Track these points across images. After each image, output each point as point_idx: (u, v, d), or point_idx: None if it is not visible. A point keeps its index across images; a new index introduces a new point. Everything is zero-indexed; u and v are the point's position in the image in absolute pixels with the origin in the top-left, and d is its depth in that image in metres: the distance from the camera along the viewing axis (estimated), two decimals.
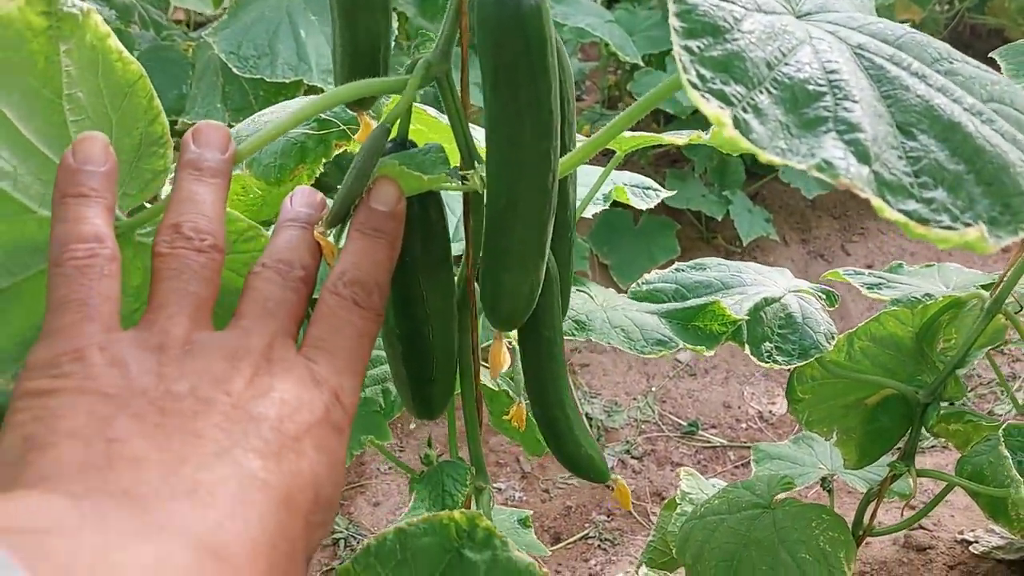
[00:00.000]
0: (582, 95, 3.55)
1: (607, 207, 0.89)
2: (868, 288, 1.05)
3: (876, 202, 0.37)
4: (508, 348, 0.57)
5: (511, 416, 0.70)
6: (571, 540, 2.04)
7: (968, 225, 0.38)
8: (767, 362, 0.91)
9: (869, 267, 2.97)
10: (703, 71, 0.38)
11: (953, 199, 0.38)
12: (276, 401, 0.39)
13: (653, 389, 2.49)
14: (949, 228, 0.37)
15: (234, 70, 1.58)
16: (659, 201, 0.94)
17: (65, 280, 0.40)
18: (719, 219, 2.78)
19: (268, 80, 1.57)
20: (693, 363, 2.53)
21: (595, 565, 1.98)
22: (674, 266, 1.04)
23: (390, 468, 2.14)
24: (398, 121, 0.51)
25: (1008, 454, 0.88)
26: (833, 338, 0.93)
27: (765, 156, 0.37)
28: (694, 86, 0.38)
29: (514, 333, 0.63)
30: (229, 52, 1.60)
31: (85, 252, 0.41)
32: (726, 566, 1.06)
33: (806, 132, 0.38)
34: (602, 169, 0.86)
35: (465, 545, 0.44)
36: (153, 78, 1.73)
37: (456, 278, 0.61)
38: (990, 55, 0.83)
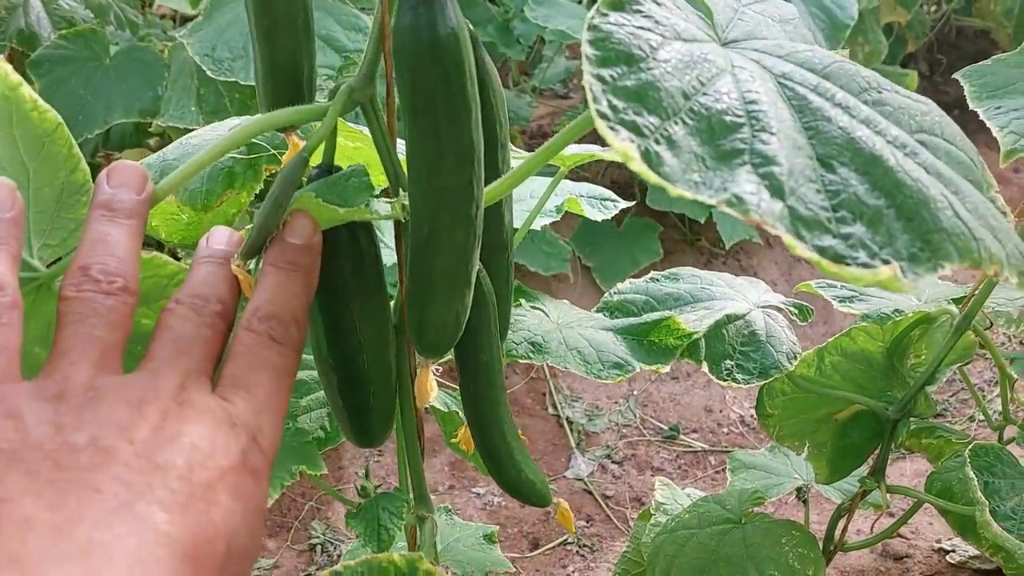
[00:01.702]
0: (568, 93, 3.54)
1: (558, 219, 0.88)
2: (840, 302, 1.04)
3: (787, 239, 0.36)
4: (435, 376, 0.56)
5: (459, 439, 0.69)
6: (550, 546, 2.03)
7: (886, 262, 0.36)
8: (726, 380, 0.90)
9: None
10: (615, 101, 0.37)
11: (872, 234, 0.37)
12: (186, 447, 0.37)
13: (635, 393, 2.48)
14: (865, 265, 0.36)
15: (208, 73, 1.56)
16: (617, 211, 0.92)
17: None
18: (702, 221, 2.77)
19: (243, 83, 1.55)
20: (675, 367, 2.52)
21: (573, 572, 1.97)
22: (649, 276, 1.03)
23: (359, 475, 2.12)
24: (323, 147, 0.50)
25: (974, 475, 0.87)
26: (795, 358, 0.92)
27: (676, 190, 0.36)
28: (604, 116, 0.36)
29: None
30: (203, 55, 1.58)
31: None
32: None
33: (721, 164, 0.37)
34: (547, 178, 0.85)
35: None
36: (128, 79, 1.71)
37: (392, 304, 0.60)
38: (954, 75, 0.82)
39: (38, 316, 0.42)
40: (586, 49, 0.38)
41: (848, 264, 0.36)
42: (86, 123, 1.78)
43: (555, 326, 0.81)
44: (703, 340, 0.91)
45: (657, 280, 1.02)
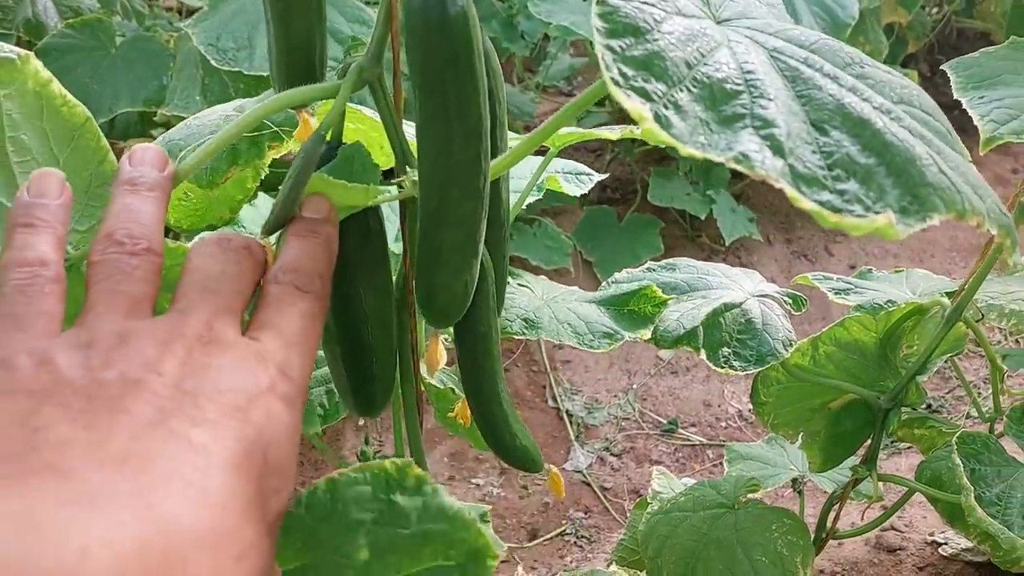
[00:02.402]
0: (573, 90, 3.56)
1: (540, 196, 0.90)
2: (835, 293, 1.06)
3: (791, 192, 0.38)
4: (444, 345, 0.58)
5: (456, 413, 0.71)
6: (548, 536, 2.05)
7: (878, 213, 0.39)
8: (723, 367, 0.92)
9: (852, 267, 2.98)
10: (625, 69, 0.40)
11: (865, 190, 0.40)
12: (213, 376, 0.38)
13: (634, 386, 2.50)
14: (862, 216, 0.39)
15: (213, 62, 1.58)
16: (592, 185, 0.94)
17: (2, 300, 0.40)
18: (703, 218, 2.78)
19: (246, 72, 1.57)
20: (675, 361, 2.54)
21: (571, 562, 1.99)
22: (645, 266, 1.05)
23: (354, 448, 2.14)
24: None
25: (960, 462, 0.89)
26: (791, 345, 0.94)
27: (686, 150, 0.39)
28: (616, 83, 0.39)
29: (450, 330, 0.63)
30: (208, 44, 1.59)
31: (26, 274, 0.41)
32: (684, 563, 1.07)
33: (724, 128, 0.40)
34: (539, 158, 0.87)
35: (396, 492, 0.44)
36: (134, 68, 1.73)
37: (395, 277, 0.62)
38: (941, 67, 0.83)
39: (69, 298, 0.43)
40: (595, 22, 0.41)
41: (846, 215, 0.38)
42: (92, 112, 1.80)
43: (542, 302, 0.84)
44: (701, 328, 0.93)
45: (654, 270, 1.04)
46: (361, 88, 0.51)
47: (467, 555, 0.43)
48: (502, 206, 0.63)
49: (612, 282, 1.00)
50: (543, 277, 0.95)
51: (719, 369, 0.88)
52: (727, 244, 2.79)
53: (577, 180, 0.95)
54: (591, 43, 2.40)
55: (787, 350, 0.89)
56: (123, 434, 0.34)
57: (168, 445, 0.34)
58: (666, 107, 0.39)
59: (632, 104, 0.39)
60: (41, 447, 0.33)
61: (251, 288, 0.45)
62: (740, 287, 1.02)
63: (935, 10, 3.47)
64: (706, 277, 1.04)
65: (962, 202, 0.42)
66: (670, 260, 1.08)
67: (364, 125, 0.64)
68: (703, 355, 0.89)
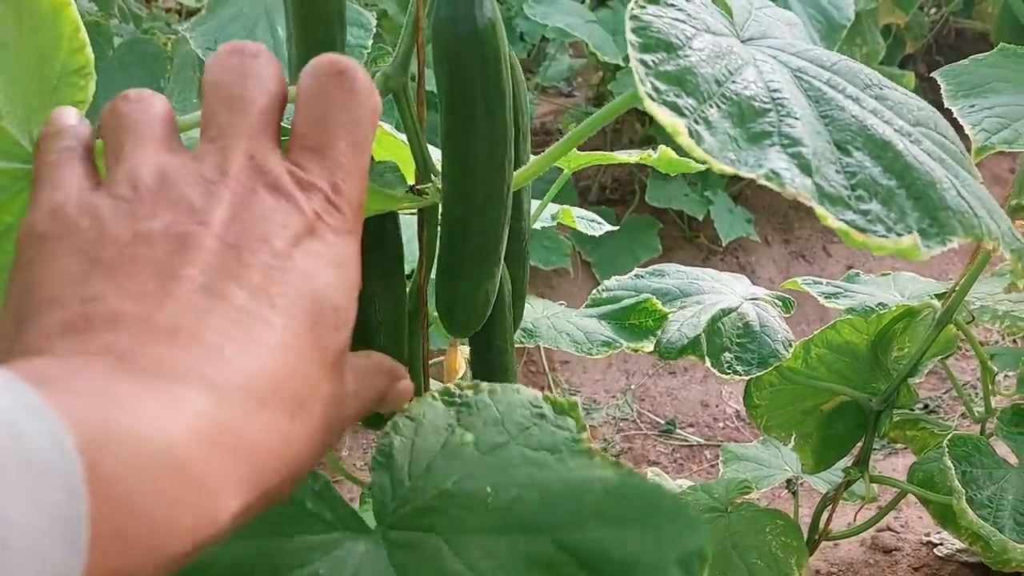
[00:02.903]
0: (572, 91, 3.56)
1: (554, 225, 0.92)
2: (825, 297, 1.07)
3: (820, 210, 0.39)
4: (462, 354, 0.58)
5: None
6: None
7: (901, 235, 0.40)
8: (728, 373, 0.92)
9: (850, 267, 2.98)
10: (658, 84, 0.41)
11: (887, 211, 0.41)
12: (258, 221, 0.36)
13: (632, 387, 2.51)
14: (885, 237, 0.40)
15: None
16: (603, 232, 0.99)
17: (39, 168, 0.39)
18: (700, 219, 2.79)
19: None
20: (672, 362, 2.55)
21: None
22: (634, 272, 1.05)
23: (364, 465, 2.15)
24: None
25: (952, 464, 0.89)
26: (791, 345, 0.94)
27: (717, 165, 0.39)
28: (651, 97, 0.40)
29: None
30: (206, 48, 1.60)
31: (61, 145, 0.40)
32: None
33: (752, 145, 0.41)
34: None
35: (461, 397, 0.47)
36: (132, 71, 1.73)
37: (409, 288, 0.62)
38: (932, 74, 0.83)
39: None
40: (630, 36, 0.42)
41: (871, 235, 0.39)
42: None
43: (542, 315, 0.84)
44: (703, 336, 0.93)
45: (642, 276, 1.05)
46: (386, 96, 0.51)
47: (547, 401, 0.46)
48: (523, 218, 0.63)
49: (604, 290, 1.00)
50: (544, 300, 0.97)
51: (723, 375, 0.88)
52: (725, 245, 2.79)
53: (589, 225, 0.99)
54: (585, 45, 2.40)
55: (788, 351, 0.89)
56: (171, 304, 0.33)
57: (216, 313, 0.33)
58: (697, 122, 0.40)
59: (667, 118, 0.39)
60: (94, 322, 0.32)
61: (283, 100, 0.41)
62: (732, 291, 1.03)
63: (933, 11, 3.47)
64: (697, 282, 1.05)
65: (980, 226, 0.42)
66: (659, 266, 1.08)
67: (382, 147, 0.65)
68: (708, 363, 0.89)
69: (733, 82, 0.43)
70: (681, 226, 2.96)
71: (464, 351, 0.77)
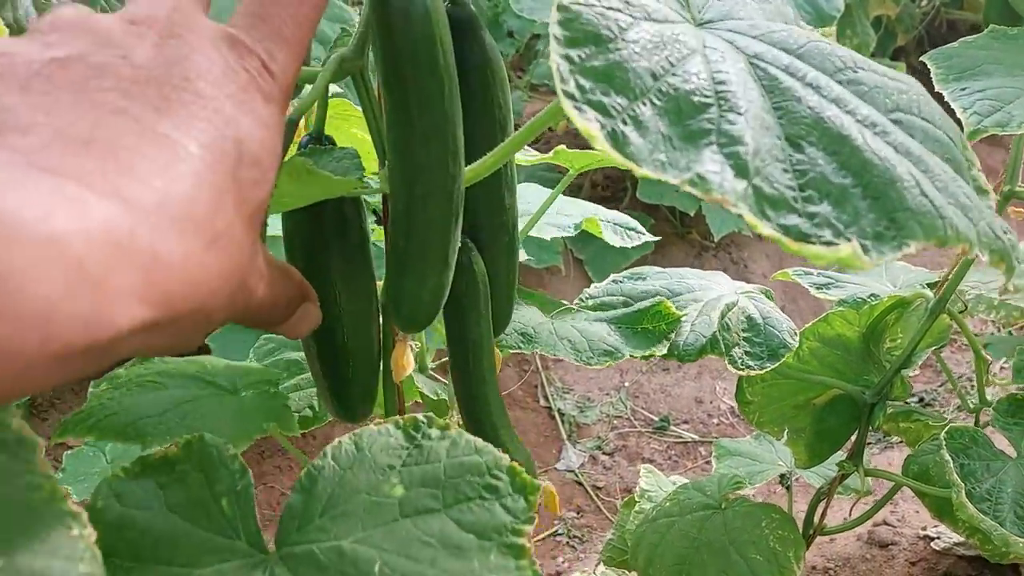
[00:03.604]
0: None
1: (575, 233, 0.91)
2: (816, 288, 1.05)
3: (749, 218, 0.36)
4: (411, 350, 0.57)
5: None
6: (540, 537, 2.04)
7: (849, 240, 0.37)
8: (743, 369, 0.89)
9: None
10: (582, 81, 0.37)
11: (838, 213, 0.37)
12: (184, 62, 0.36)
13: (626, 384, 2.49)
14: (828, 244, 0.37)
15: None
16: (641, 243, 0.97)
17: None
18: (692, 214, 2.78)
19: None
20: (665, 359, 2.53)
21: (563, 562, 1.97)
22: (611, 278, 1.02)
23: None
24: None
25: (950, 457, 0.88)
26: (796, 334, 0.92)
27: (641, 171, 0.36)
28: (571, 97, 0.36)
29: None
30: None
31: None
32: (678, 569, 1.06)
33: (688, 145, 0.37)
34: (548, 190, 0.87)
35: (422, 437, 0.45)
36: None
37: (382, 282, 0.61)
38: (920, 58, 0.82)
39: None
40: (554, 29, 0.38)
41: (811, 243, 0.36)
42: None
43: (546, 319, 0.82)
44: (719, 334, 0.91)
45: (621, 281, 1.01)
46: (343, 78, 0.50)
47: (509, 473, 0.43)
48: (505, 212, 0.61)
49: (589, 296, 0.97)
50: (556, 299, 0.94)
51: (738, 371, 0.85)
52: (717, 240, 2.78)
53: (626, 234, 0.96)
54: None
55: (795, 339, 0.86)
56: (85, 121, 0.33)
57: (132, 133, 0.33)
58: (624, 123, 0.37)
59: (583, 122, 0.36)
60: (2, 130, 0.32)
61: None
62: (720, 286, 1.01)
63: (924, 2, 3.47)
64: (685, 281, 1.02)
65: (944, 228, 0.39)
66: (635, 269, 1.05)
67: (362, 130, 0.63)
68: (726, 361, 0.86)
69: (673, 75, 0.39)
70: (673, 222, 2.94)
71: (415, 347, 0.76)
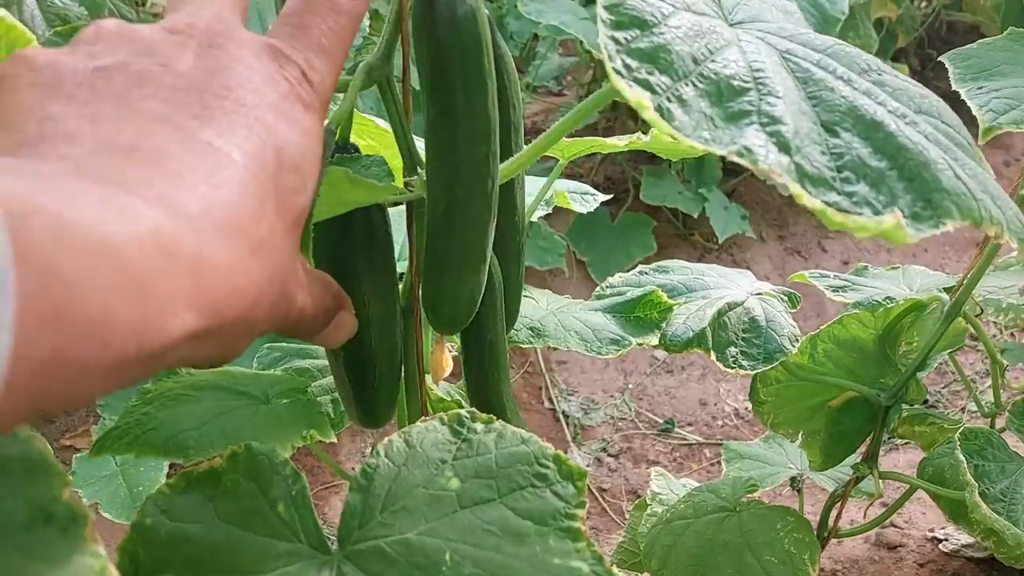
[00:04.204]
0: (563, 90, 3.55)
1: (550, 211, 0.90)
2: (832, 291, 1.05)
3: (794, 188, 0.38)
4: (451, 354, 0.57)
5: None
6: None
7: (883, 215, 0.38)
8: (733, 368, 0.91)
9: (846, 263, 2.98)
10: (629, 60, 0.39)
11: (875, 194, 0.39)
12: (224, 71, 0.37)
13: (630, 386, 2.49)
14: (868, 218, 0.38)
15: None
16: (597, 204, 0.97)
17: None
18: (695, 216, 2.78)
19: None
20: (670, 360, 2.53)
21: None
22: (637, 269, 1.04)
23: None
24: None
25: (964, 458, 0.88)
26: (797, 341, 0.93)
27: (688, 143, 0.38)
28: (619, 73, 0.39)
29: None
30: None
31: None
32: (692, 571, 1.06)
33: (730, 124, 0.39)
34: (543, 177, 0.87)
35: (469, 431, 0.46)
36: None
37: (401, 285, 0.61)
38: (939, 58, 0.82)
39: None
40: (601, 13, 0.40)
41: (852, 215, 0.37)
42: None
43: (548, 311, 0.83)
44: (709, 329, 0.91)
45: (646, 273, 1.03)
46: (370, 86, 0.50)
47: (556, 461, 0.44)
48: (517, 213, 0.62)
49: (608, 286, 0.99)
50: (547, 291, 0.94)
51: (728, 370, 0.87)
52: (720, 242, 2.78)
53: (583, 199, 0.97)
54: (581, 43, 2.39)
55: (794, 346, 0.88)
56: (129, 129, 0.33)
57: (175, 141, 0.34)
58: (669, 100, 0.39)
59: (633, 94, 0.38)
60: (49, 138, 0.33)
61: None
62: (737, 286, 1.01)
63: (924, 4, 3.47)
64: (702, 277, 1.03)
65: (979, 209, 0.41)
66: (662, 262, 1.07)
67: (374, 140, 0.63)
68: (713, 356, 0.87)
69: (712, 61, 0.42)
70: (676, 224, 2.95)
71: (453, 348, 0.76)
